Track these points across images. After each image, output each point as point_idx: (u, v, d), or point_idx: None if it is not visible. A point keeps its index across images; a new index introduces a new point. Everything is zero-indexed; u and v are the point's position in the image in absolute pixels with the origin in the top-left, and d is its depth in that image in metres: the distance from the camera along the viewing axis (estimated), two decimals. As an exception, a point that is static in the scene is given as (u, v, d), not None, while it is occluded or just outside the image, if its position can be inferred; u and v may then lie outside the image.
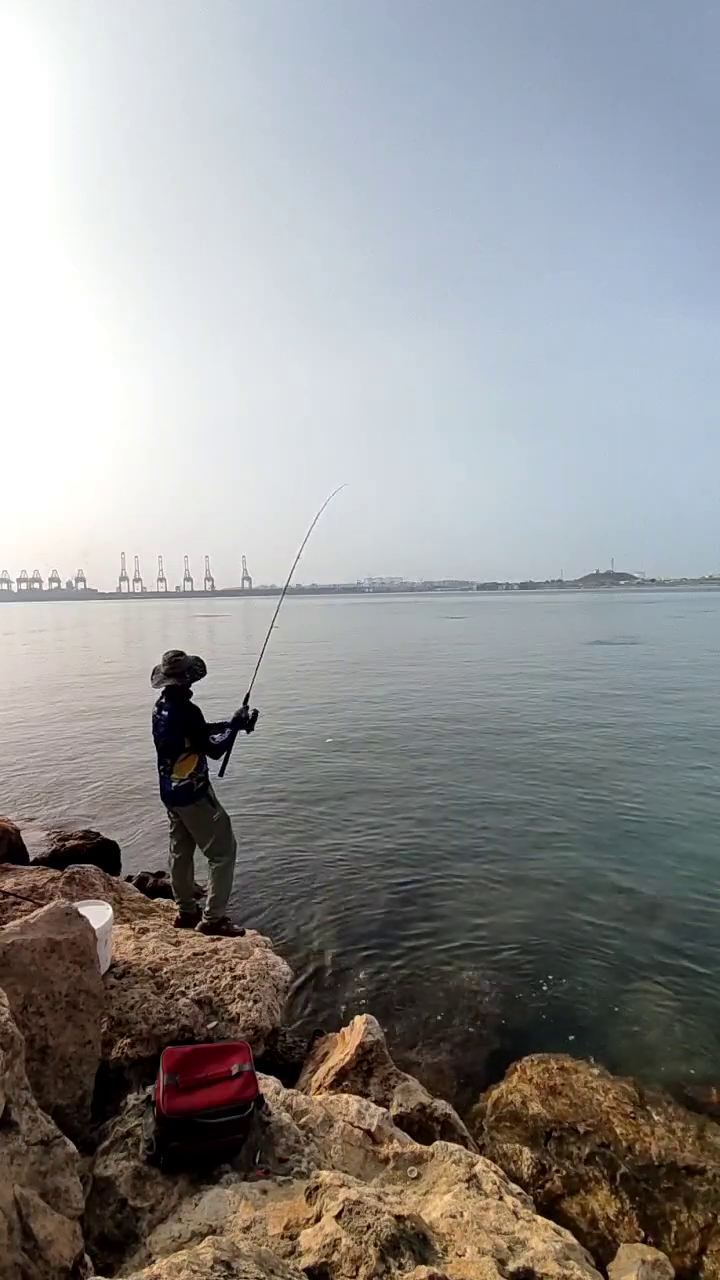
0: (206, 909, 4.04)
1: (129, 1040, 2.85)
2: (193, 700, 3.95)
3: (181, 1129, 2.20)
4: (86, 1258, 1.75)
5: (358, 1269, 1.75)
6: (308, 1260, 1.80)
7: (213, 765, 4.02)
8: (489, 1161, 2.49)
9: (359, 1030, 3.23)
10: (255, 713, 4.02)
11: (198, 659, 4.02)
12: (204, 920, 4.01)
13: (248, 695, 4.06)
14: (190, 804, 3.90)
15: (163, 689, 3.90)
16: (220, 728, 3.97)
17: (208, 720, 3.95)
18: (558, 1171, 2.82)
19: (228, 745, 3.94)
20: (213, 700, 4.31)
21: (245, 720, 3.98)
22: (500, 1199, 2.23)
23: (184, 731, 3.85)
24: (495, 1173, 2.38)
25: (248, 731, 4.01)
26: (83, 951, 2.58)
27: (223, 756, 3.95)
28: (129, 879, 5.61)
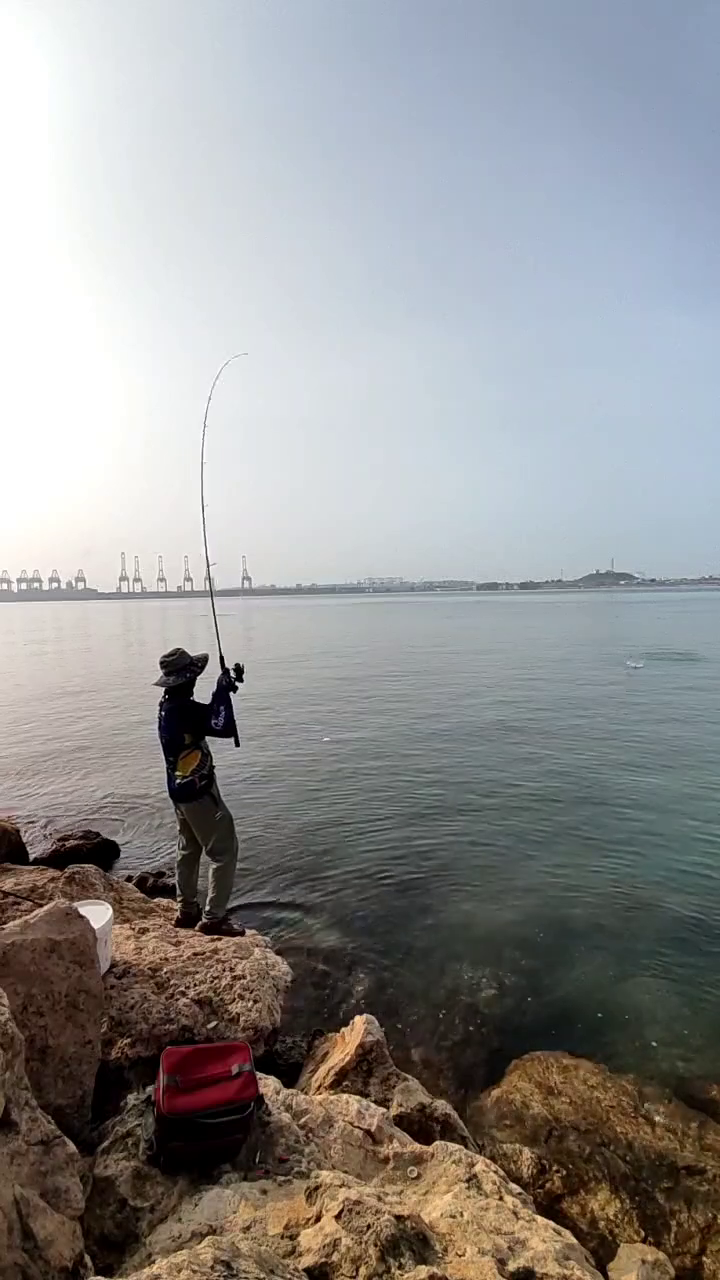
0: (206, 908, 4.05)
1: (129, 1040, 2.85)
2: (194, 697, 3.99)
3: (182, 1129, 2.20)
4: (86, 1258, 1.75)
5: (358, 1269, 1.75)
6: (308, 1260, 1.79)
7: (225, 743, 3.97)
8: (489, 1161, 2.48)
9: (359, 1030, 3.23)
10: (238, 666, 3.97)
11: (202, 655, 4.05)
12: (204, 920, 4.02)
13: (221, 658, 4.00)
14: (193, 801, 3.92)
15: (165, 688, 3.93)
16: (214, 706, 3.90)
17: (218, 720, 3.90)
18: (558, 1171, 2.83)
19: (229, 720, 3.87)
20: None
21: (228, 685, 3.92)
22: (500, 1199, 2.23)
23: (182, 727, 3.88)
24: (495, 1173, 2.38)
25: (240, 682, 3.96)
26: (83, 951, 2.58)
27: (230, 730, 3.89)
28: (129, 879, 5.61)
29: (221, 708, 3.89)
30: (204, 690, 4.05)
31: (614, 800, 8.11)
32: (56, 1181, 1.80)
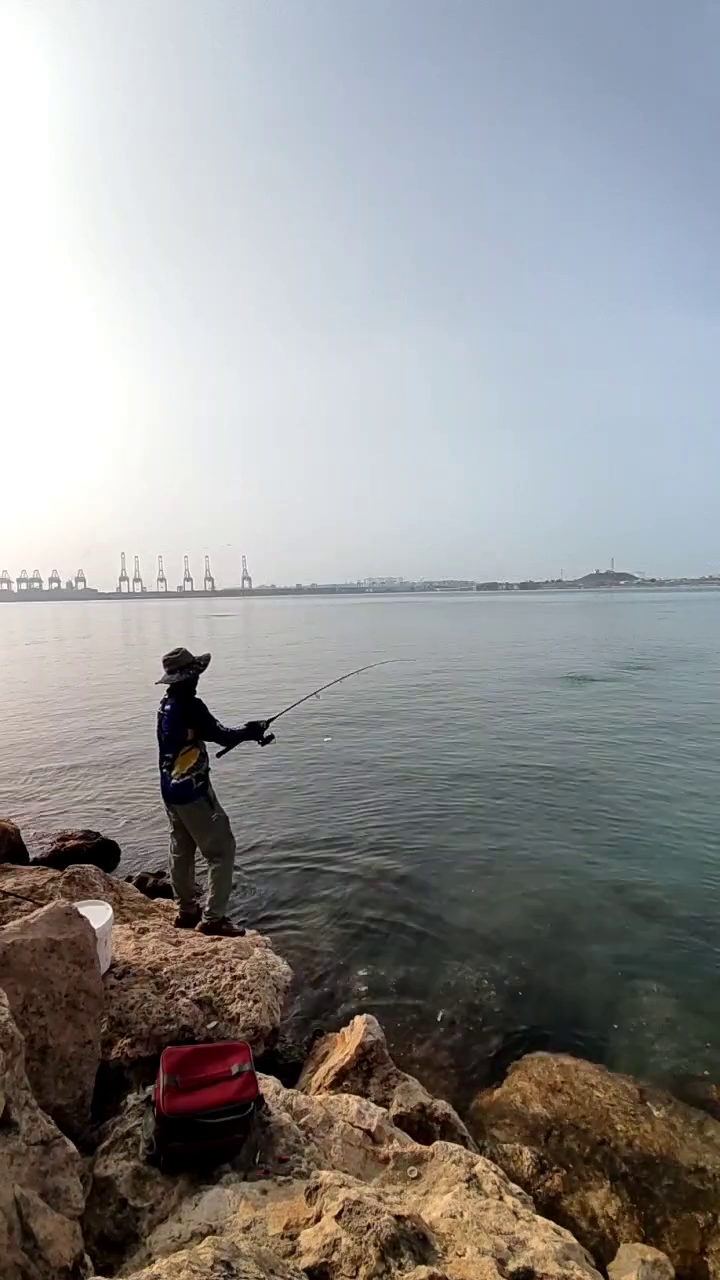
0: (206, 909, 4.05)
1: (129, 1040, 2.85)
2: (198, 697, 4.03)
3: (182, 1129, 2.20)
4: (86, 1258, 1.75)
5: (358, 1269, 1.75)
6: (308, 1260, 1.79)
7: (213, 748, 4.11)
8: (489, 1161, 2.48)
9: (359, 1030, 3.23)
10: (272, 736, 4.17)
11: (204, 655, 4.12)
12: (204, 920, 4.02)
13: (274, 717, 4.25)
14: (189, 802, 3.91)
15: (168, 686, 3.95)
16: (237, 727, 4.08)
17: (227, 725, 4.09)
18: (558, 1171, 2.83)
19: (234, 738, 4.04)
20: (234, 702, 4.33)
21: (260, 732, 4.11)
22: (500, 1199, 2.23)
23: (187, 722, 3.91)
24: (495, 1173, 2.38)
25: (260, 744, 4.14)
26: (83, 951, 2.58)
27: (229, 745, 4.06)
28: (129, 879, 5.61)
29: (244, 729, 4.06)
30: (208, 691, 4.08)
31: (616, 802, 8.10)
32: (56, 1181, 1.80)
